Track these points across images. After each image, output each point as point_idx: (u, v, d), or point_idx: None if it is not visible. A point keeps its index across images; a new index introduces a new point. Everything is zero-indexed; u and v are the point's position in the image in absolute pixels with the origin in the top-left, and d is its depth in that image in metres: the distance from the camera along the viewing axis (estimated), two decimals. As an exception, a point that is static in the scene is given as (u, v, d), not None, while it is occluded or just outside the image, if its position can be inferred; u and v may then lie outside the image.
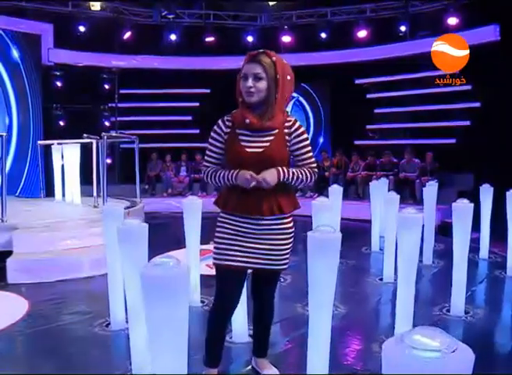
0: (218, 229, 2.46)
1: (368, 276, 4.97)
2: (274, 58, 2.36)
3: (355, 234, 7.46)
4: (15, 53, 9.83)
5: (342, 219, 8.56)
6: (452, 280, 3.81)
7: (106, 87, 11.93)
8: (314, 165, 2.48)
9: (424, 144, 10.10)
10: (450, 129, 10.02)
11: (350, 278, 5.03)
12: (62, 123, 11.29)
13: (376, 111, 11.25)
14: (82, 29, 11.04)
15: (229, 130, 2.41)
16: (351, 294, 4.48)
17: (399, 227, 3.02)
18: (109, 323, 3.62)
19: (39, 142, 8.70)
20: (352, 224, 8.18)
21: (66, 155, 7.12)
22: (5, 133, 5.47)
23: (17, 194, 9.41)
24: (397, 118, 11.07)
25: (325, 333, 2.36)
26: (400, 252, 3.01)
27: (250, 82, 2.33)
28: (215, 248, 2.45)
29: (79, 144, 7.03)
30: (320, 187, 11.21)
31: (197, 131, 12.63)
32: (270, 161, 2.35)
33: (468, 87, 9.27)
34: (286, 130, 2.40)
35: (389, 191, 9.58)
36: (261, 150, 2.36)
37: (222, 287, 2.47)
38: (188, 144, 12.20)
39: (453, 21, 9.60)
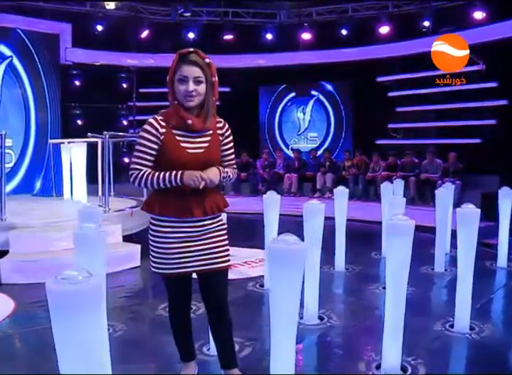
0: (153, 237, 2.39)
1: (371, 284, 4.66)
2: (207, 60, 2.31)
3: (368, 238, 7.16)
4: (34, 53, 9.87)
5: (357, 221, 8.39)
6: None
7: (124, 85, 11.91)
8: (235, 165, 2.55)
9: (447, 144, 9.68)
10: (475, 128, 9.57)
11: (352, 286, 4.76)
12: (79, 122, 11.31)
13: (398, 109, 10.85)
14: (100, 28, 11.01)
15: (164, 131, 2.33)
16: (349, 304, 4.23)
17: (388, 235, 2.75)
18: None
19: (50, 141, 8.68)
20: (368, 227, 7.87)
21: (73, 154, 7.05)
22: (4, 132, 5.39)
23: (34, 193, 9.45)
24: (420, 117, 10.65)
25: (288, 358, 2.11)
26: (388, 263, 2.75)
27: (191, 86, 2.28)
28: (153, 256, 2.40)
29: (85, 144, 6.94)
30: (340, 188, 10.93)
31: (217, 130, 12.51)
32: (210, 161, 2.36)
33: (494, 84, 8.82)
34: (218, 131, 2.43)
35: (409, 192, 9.40)
36: (201, 151, 2.36)
37: (170, 292, 2.50)
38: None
39: (478, 15, 9.15)
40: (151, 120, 2.34)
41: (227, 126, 2.47)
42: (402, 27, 10.49)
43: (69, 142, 7.57)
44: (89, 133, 6.63)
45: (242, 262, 5.61)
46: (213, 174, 2.32)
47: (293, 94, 13.10)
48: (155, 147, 2.32)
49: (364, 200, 10.05)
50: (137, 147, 2.35)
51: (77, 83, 11.19)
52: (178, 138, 2.32)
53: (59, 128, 10.31)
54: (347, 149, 11.43)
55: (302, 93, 12.99)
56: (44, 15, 10.25)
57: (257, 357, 3.02)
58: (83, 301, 1.49)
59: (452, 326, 3.50)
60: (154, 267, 2.41)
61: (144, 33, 11.58)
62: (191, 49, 2.33)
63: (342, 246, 5.24)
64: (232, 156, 2.52)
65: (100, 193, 6.57)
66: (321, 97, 12.72)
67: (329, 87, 12.58)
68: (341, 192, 5.29)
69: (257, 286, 4.63)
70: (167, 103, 2.36)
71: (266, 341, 3.30)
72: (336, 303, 4.19)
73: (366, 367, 2.90)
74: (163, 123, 2.33)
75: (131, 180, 2.35)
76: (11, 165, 9.62)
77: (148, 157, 2.33)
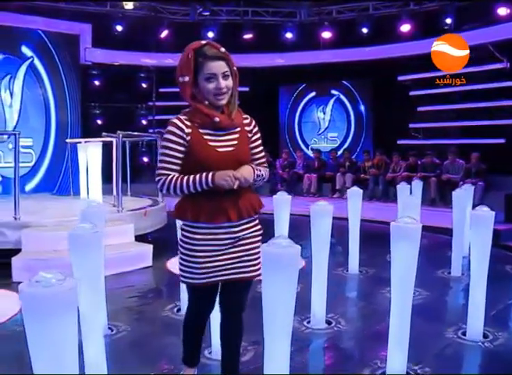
0: (186, 244, 2.19)
1: (384, 288, 4.50)
2: (223, 50, 2.14)
3: (384, 240, 7.00)
4: (54, 53, 9.98)
5: (375, 222, 8.22)
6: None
7: (143, 85, 11.98)
8: (266, 164, 2.37)
9: (470, 144, 9.44)
10: (499, 127, 9.31)
11: (364, 289, 4.64)
12: (99, 122, 11.41)
13: (419, 109, 10.64)
14: (119, 28, 11.09)
15: (190, 131, 2.15)
16: (359, 308, 4.11)
17: (393, 238, 2.64)
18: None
19: (67, 140, 8.75)
20: (386, 228, 7.71)
21: (89, 154, 7.08)
22: (18, 131, 5.43)
23: (54, 191, 9.55)
24: (442, 116, 10.42)
25: (282, 365, 2.03)
26: (393, 268, 2.64)
27: (222, 82, 2.11)
28: (185, 266, 2.20)
29: (100, 143, 6.97)
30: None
31: (237, 130, 12.48)
32: (241, 159, 2.19)
33: (519, 83, 8.56)
34: (246, 128, 2.26)
35: (430, 193, 9.20)
36: (231, 149, 2.19)
37: (196, 303, 2.33)
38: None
39: (502, 11, 8.89)
40: (175, 121, 2.17)
41: (254, 122, 2.31)
42: (423, 25, 10.28)
43: (85, 142, 7.60)
44: (103, 133, 6.65)
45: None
46: (247, 172, 2.14)
47: (313, 94, 12.99)
48: (182, 149, 2.15)
49: (384, 201, 9.89)
50: (163, 150, 2.17)
51: (97, 83, 11.28)
52: (205, 137, 2.16)
53: (79, 128, 10.40)
54: (366, 149, 11.27)
55: (322, 92, 12.87)
56: (65, 15, 10.36)
57: (258, 361, 2.94)
58: (55, 304, 1.45)
59: (464, 333, 3.36)
60: (184, 277, 2.22)
61: (164, 33, 11.61)
62: (203, 42, 2.17)
63: (355, 248, 5.12)
64: (263, 154, 2.34)
65: (114, 192, 6.58)
66: (342, 96, 12.58)
67: (350, 86, 12.42)
68: (354, 193, 5.17)
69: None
70: (187, 103, 2.21)
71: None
72: (345, 307, 4.08)
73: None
74: (188, 123, 2.16)
75: (158, 186, 2.17)
76: (31, 164, 9.75)
77: (175, 160, 2.15)
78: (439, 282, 4.75)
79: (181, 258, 2.22)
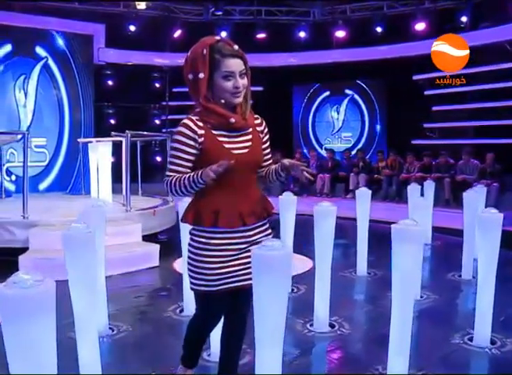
0: (198, 251, 2.10)
1: (391, 291, 4.44)
2: (237, 47, 2.06)
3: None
4: (68, 53, 10.06)
5: (388, 223, 8.10)
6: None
7: (156, 85, 12.01)
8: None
9: (485, 144, 9.26)
10: (515, 127, 9.12)
11: (371, 292, 4.55)
12: (112, 122, 11.46)
13: (434, 108, 10.48)
14: (133, 28, 11.13)
15: (203, 132, 2.06)
16: (365, 311, 4.03)
17: (394, 242, 2.56)
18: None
19: (79, 140, 8.80)
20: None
21: (99, 153, 7.11)
22: (27, 131, 5.47)
23: (67, 191, 9.63)
24: (457, 116, 10.25)
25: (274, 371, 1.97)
26: (394, 273, 2.56)
27: (239, 81, 2.04)
28: (197, 273, 2.11)
29: (110, 143, 6.98)
30: (373, 190, 10.65)
31: (250, 130, 12.45)
32: (256, 161, 2.17)
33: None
34: (258, 128, 2.20)
35: (444, 194, 9.05)
36: (246, 151, 2.12)
37: (207, 311, 2.24)
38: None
39: (520, 9, 8.71)
40: (187, 121, 2.06)
41: (264, 122, 2.26)
42: (438, 23, 10.13)
43: (97, 141, 7.64)
44: (112, 133, 6.67)
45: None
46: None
47: (327, 93, 12.90)
48: (193, 151, 2.05)
49: (398, 201, 9.76)
50: (172, 152, 2.07)
51: (110, 82, 11.34)
52: (220, 139, 2.07)
53: (93, 128, 10.48)
54: (380, 150, 11.14)
55: (336, 92, 12.78)
56: (79, 16, 10.44)
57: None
58: (31, 305, 1.42)
59: (471, 339, 3.26)
60: (196, 284, 2.12)
61: (177, 33, 11.62)
62: (217, 38, 2.10)
63: (364, 249, 5.04)
64: (270, 155, 2.30)
65: (123, 192, 6.59)
66: (356, 96, 12.46)
67: (364, 85, 12.30)
68: (363, 193, 5.08)
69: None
70: (196, 102, 2.12)
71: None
72: (351, 310, 4.00)
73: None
74: (200, 124, 2.05)
75: (165, 188, 2.08)
76: (45, 163, 9.85)
77: (184, 163, 2.06)
78: (449, 285, 4.65)
79: (192, 265, 2.12)
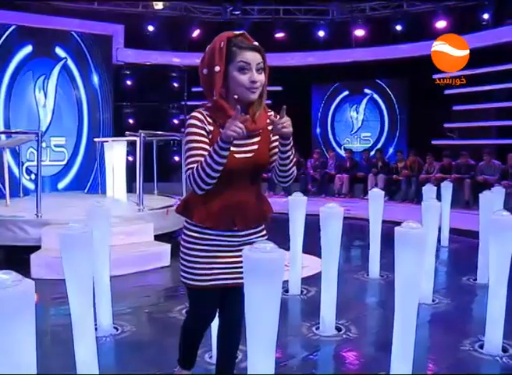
0: (189, 245, 2.07)
1: (403, 294, 4.35)
2: (257, 43, 1.97)
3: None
4: (87, 54, 10.16)
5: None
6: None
7: (175, 85, 12.03)
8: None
9: (508, 145, 9.04)
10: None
11: (382, 295, 4.45)
12: (131, 121, 11.53)
13: (455, 108, 10.27)
14: (151, 28, 11.19)
15: (212, 129, 1.97)
16: (374, 315, 3.95)
17: (397, 245, 2.49)
18: (96, 328, 3.43)
19: (95, 139, 8.88)
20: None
21: (114, 153, 7.15)
22: (41, 131, 5.52)
23: (86, 190, 9.72)
24: (478, 116, 10.02)
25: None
26: (397, 278, 2.49)
27: (255, 75, 1.92)
28: (187, 267, 2.09)
29: (125, 142, 7.02)
30: (392, 191, 10.52)
31: (269, 129, 12.40)
32: (259, 165, 2.03)
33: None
34: (269, 127, 2.03)
35: (464, 195, 8.85)
36: (250, 155, 2.01)
37: (197, 308, 2.22)
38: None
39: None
40: (196, 114, 1.98)
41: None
42: (460, 21, 9.92)
43: (112, 140, 7.68)
44: (127, 132, 6.69)
45: (273, 265, 5.42)
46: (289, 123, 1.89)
47: (346, 93, 12.76)
48: (207, 140, 1.95)
49: (417, 203, 9.58)
50: (188, 145, 1.97)
51: (129, 82, 11.41)
52: None
53: (111, 127, 10.56)
54: (399, 150, 10.98)
55: (355, 91, 12.63)
56: (98, 17, 10.53)
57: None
58: (9, 305, 1.40)
59: (482, 346, 3.16)
60: (185, 277, 2.11)
61: (195, 33, 11.64)
62: (237, 32, 1.99)
63: (376, 251, 4.94)
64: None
65: (137, 191, 6.61)
66: (375, 95, 12.30)
67: (384, 85, 12.14)
68: (375, 194, 4.99)
69: (282, 291, 4.43)
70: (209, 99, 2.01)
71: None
72: (359, 313, 3.91)
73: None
74: (210, 120, 1.97)
75: (189, 184, 1.98)
76: (64, 162, 9.96)
77: (204, 152, 1.92)
78: (463, 289, 4.53)
79: (183, 259, 2.11)
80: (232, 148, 1.92)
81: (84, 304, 2.41)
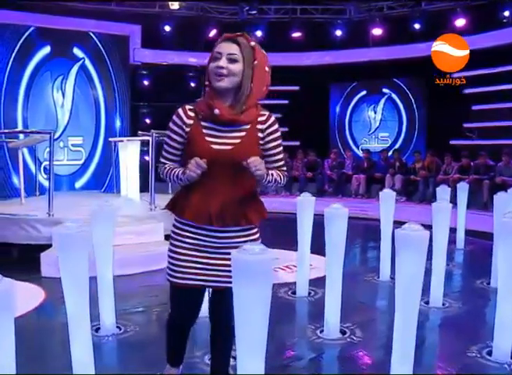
0: (172, 241, 2.14)
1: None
2: (253, 44, 2.02)
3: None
4: (104, 54, 10.24)
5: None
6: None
7: (192, 85, 12.03)
8: (285, 168, 2.19)
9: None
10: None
11: (392, 298, 4.35)
12: (148, 121, 11.57)
13: (474, 107, 10.06)
14: (168, 28, 11.22)
15: (191, 122, 2.05)
16: (381, 318, 3.88)
17: (397, 247, 2.43)
18: (99, 328, 3.45)
19: (110, 139, 8.94)
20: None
21: (128, 152, 7.19)
22: (52, 131, 5.58)
23: (103, 190, 9.80)
24: (498, 115, 9.80)
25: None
26: (397, 281, 2.43)
27: (222, 61, 1.98)
28: (169, 263, 2.15)
29: (139, 142, 7.05)
30: (409, 191, 10.37)
31: (286, 129, 12.33)
32: (240, 161, 1.99)
33: None
34: (259, 126, 2.08)
35: (482, 196, 8.64)
36: (229, 147, 2.03)
37: (176, 305, 2.26)
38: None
39: None
40: (179, 110, 2.09)
41: (272, 120, 2.10)
42: (479, 19, 9.70)
43: (127, 140, 7.73)
44: (139, 132, 6.72)
45: (283, 266, 5.39)
46: (261, 163, 1.96)
47: (364, 93, 12.62)
48: (180, 140, 2.08)
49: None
50: (165, 140, 2.15)
51: (146, 82, 11.45)
52: (205, 131, 2.03)
53: (128, 127, 10.62)
54: (417, 150, 10.81)
55: (373, 91, 12.48)
56: (115, 17, 10.60)
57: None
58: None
59: (490, 352, 3.07)
60: (169, 275, 2.17)
61: (212, 33, 11.62)
62: (239, 33, 2.08)
63: (387, 253, 4.86)
64: (280, 156, 2.15)
65: (150, 191, 6.63)
66: (394, 95, 12.14)
67: (402, 84, 11.97)
68: (386, 195, 4.91)
69: (289, 293, 4.40)
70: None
71: (274, 353, 3.08)
72: (366, 317, 3.85)
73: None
74: (191, 114, 2.06)
75: (160, 175, 2.18)
76: (81, 162, 10.07)
77: (173, 150, 2.11)
78: (475, 293, 4.43)
79: (168, 255, 2.16)
80: (210, 139, 2.02)
81: (80, 303, 2.41)
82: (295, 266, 5.27)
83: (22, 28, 9.18)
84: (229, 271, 1.98)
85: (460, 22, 9.89)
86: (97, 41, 10.15)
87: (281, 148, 2.14)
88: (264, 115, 2.10)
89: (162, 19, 11.20)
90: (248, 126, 2.05)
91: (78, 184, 10.01)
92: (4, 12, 9.03)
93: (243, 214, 2.07)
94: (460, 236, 6.31)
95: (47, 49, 9.49)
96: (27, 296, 4.28)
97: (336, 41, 11.69)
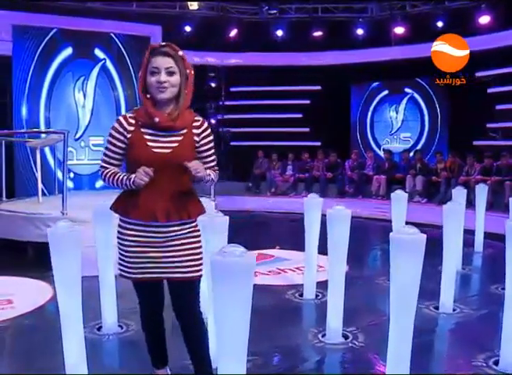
0: (119, 239, 2.29)
1: (423, 302, 4.12)
2: (181, 53, 2.24)
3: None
4: (125, 55, 10.35)
5: (440, 228, 7.64)
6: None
7: (212, 85, 12.08)
8: (217, 167, 2.41)
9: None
10: None
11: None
12: (168, 121, 11.66)
13: (498, 107, 9.80)
14: (188, 29, 11.27)
15: (132, 129, 2.24)
16: (387, 323, 3.77)
17: (392, 251, 2.36)
18: (101, 326, 3.47)
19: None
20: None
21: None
22: (67, 131, 5.65)
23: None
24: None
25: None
26: (392, 287, 2.37)
27: (163, 76, 2.20)
28: (123, 261, 2.28)
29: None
30: (430, 193, 10.18)
31: (307, 130, 12.27)
32: (178, 163, 2.19)
33: None
34: (194, 130, 2.30)
35: (505, 198, 8.39)
36: (169, 151, 2.23)
37: (139, 297, 2.44)
38: (295, 143, 12.03)
39: None
40: (120, 118, 2.29)
41: (205, 125, 2.34)
42: (505, 16, 9.43)
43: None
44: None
45: (294, 268, 5.34)
46: (201, 166, 2.20)
47: (385, 92, 12.44)
48: (121, 146, 2.26)
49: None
50: (106, 144, 2.32)
51: (166, 83, 11.54)
52: (146, 137, 2.22)
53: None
54: (438, 151, 10.60)
55: (395, 91, 12.29)
56: (136, 18, 10.69)
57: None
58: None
59: (497, 362, 2.96)
60: (119, 269, 2.33)
61: (233, 33, 11.62)
62: (163, 43, 2.30)
63: (399, 256, 4.76)
64: (213, 158, 2.38)
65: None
66: (416, 95, 11.93)
67: (424, 84, 11.75)
68: (398, 196, 4.81)
69: (297, 295, 4.35)
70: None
71: (271, 357, 3.05)
72: (371, 321, 3.76)
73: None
74: (132, 121, 2.25)
75: (101, 177, 2.32)
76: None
77: (114, 155, 2.29)
78: (488, 299, 4.29)
79: (118, 253, 2.31)
80: (151, 144, 2.20)
81: (71, 303, 2.42)
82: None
83: (45, 30, 9.36)
84: (177, 262, 2.24)
85: (485, 19, 9.64)
86: (118, 42, 10.26)
87: (213, 150, 2.37)
88: (198, 120, 2.32)
89: (183, 20, 11.25)
90: (185, 131, 2.25)
91: (98, 184, 10.13)
92: (27, 15, 9.23)
93: (185, 209, 2.25)
94: (479, 239, 6.15)
95: (69, 50, 9.65)
96: (37, 293, 4.35)
97: (358, 40, 11.55)
